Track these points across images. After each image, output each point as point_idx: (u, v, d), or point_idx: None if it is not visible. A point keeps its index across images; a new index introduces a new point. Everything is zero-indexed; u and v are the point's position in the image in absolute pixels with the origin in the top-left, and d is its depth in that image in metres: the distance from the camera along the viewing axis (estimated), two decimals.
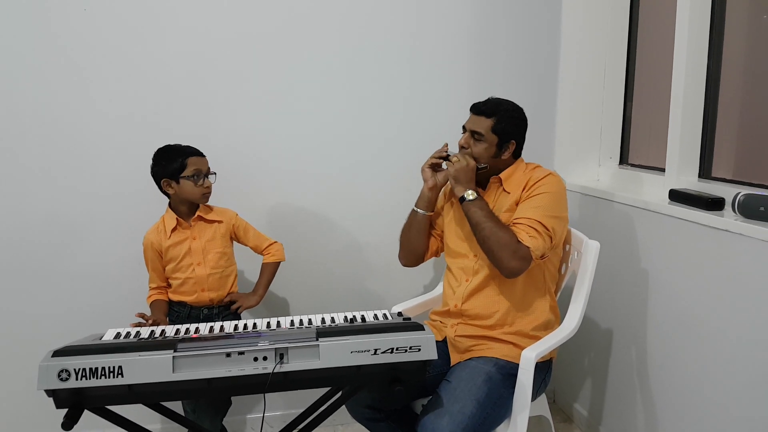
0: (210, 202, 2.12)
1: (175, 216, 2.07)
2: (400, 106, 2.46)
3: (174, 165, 2.01)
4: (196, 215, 2.09)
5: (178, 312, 2.11)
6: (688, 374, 1.87)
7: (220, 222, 2.12)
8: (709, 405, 1.79)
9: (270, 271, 2.20)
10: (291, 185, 2.44)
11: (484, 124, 1.90)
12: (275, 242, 2.21)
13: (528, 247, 1.77)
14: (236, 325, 1.60)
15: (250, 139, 2.37)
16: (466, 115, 1.97)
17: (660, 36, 2.28)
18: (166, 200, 2.11)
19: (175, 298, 2.11)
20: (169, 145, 2.06)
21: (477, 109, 1.94)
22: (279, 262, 2.21)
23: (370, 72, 2.42)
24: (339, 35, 2.38)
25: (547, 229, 1.81)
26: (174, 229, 2.07)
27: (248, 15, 2.31)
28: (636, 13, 2.47)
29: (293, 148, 2.42)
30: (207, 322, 1.88)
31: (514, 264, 1.77)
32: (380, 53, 2.42)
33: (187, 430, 2.03)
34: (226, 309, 2.15)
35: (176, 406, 2.14)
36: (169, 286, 2.12)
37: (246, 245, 2.20)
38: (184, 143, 2.07)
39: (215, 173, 2.08)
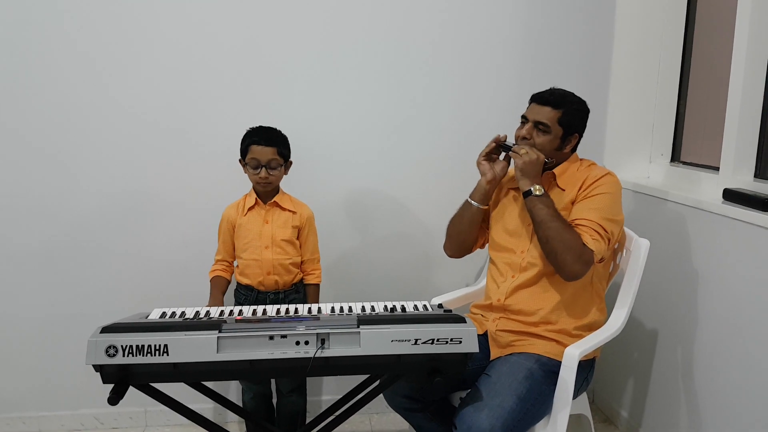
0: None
1: (255, 196, 2.12)
2: (446, 95, 2.44)
3: (242, 147, 2.08)
4: (272, 200, 2.12)
5: (245, 296, 2.13)
6: (737, 379, 1.81)
7: (294, 212, 2.13)
8: (757, 412, 1.73)
9: (316, 293, 2.22)
10: (332, 173, 2.44)
11: (550, 115, 1.83)
12: (319, 264, 2.23)
13: (592, 251, 1.73)
14: (278, 309, 1.62)
15: (291, 128, 2.32)
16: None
17: (718, 28, 2.20)
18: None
19: (243, 281, 2.13)
20: (252, 128, 2.10)
21: (542, 99, 1.85)
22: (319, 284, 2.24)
23: (415, 60, 2.40)
24: (384, 23, 2.36)
25: (607, 232, 1.77)
26: (251, 208, 2.12)
27: (300, 5, 2.32)
28: (693, 4, 2.38)
29: (334, 137, 2.41)
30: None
31: (578, 267, 1.72)
32: (427, 41, 2.39)
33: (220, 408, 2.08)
34: (293, 293, 2.16)
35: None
36: (234, 265, 2.17)
37: (300, 246, 2.19)
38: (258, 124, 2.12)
39: (281, 165, 2.07)
